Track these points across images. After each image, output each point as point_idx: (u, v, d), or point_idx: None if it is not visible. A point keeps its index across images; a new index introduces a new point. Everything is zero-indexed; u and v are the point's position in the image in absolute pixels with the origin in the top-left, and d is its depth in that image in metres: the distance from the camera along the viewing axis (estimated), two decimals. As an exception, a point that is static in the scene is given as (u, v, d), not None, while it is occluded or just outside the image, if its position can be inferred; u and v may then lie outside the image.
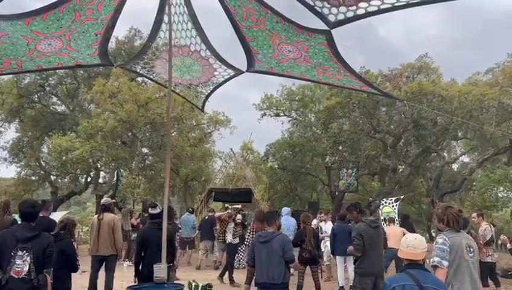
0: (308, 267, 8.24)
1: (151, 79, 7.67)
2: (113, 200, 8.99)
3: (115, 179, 22.16)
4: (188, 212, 13.78)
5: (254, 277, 5.33)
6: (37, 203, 4.37)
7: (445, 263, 3.66)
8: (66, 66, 6.76)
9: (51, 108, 24.39)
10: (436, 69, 21.13)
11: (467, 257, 3.70)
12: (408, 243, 3.33)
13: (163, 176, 20.92)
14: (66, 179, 23.69)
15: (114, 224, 7.15)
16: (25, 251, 3.98)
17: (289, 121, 26.17)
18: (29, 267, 3.96)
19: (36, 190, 25.23)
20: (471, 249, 3.76)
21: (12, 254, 3.96)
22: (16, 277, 3.93)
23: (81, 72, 23.11)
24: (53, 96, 24.52)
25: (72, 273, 5.08)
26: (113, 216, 7.35)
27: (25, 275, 3.94)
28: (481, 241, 7.99)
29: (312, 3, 4.04)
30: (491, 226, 8.49)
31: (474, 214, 8.58)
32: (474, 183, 20.94)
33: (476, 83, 19.10)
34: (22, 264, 3.96)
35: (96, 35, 5.15)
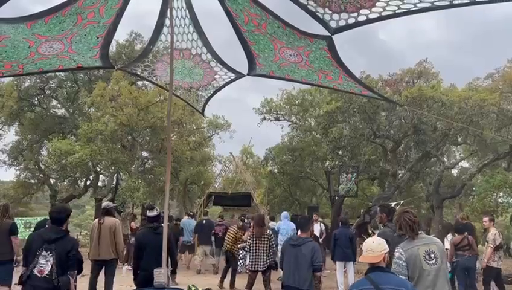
0: None
1: (151, 82, 7.68)
2: (114, 204, 8.95)
3: (114, 182, 22.17)
4: (188, 216, 13.72)
5: (280, 279, 5.38)
6: (64, 209, 4.64)
7: (403, 277, 3.63)
8: (67, 68, 6.77)
9: (51, 111, 24.40)
10: (436, 74, 21.18)
11: (426, 266, 3.66)
12: (367, 248, 3.35)
13: (162, 180, 20.91)
14: (65, 182, 23.68)
15: (115, 228, 7.07)
16: (49, 251, 4.18)
17: (289, 125, 26.22)
18: (51, 267, 4.15)
19: (35, 193, 25.19)
20: (432, 256, 3.69)
21: (37, 253, 4.17)
22: (39, 275, 4.13)
23: (82, 75, 23.15)
24: (53, 99, 24.54)
25: None
26: (114, 220, 7.28)
27: (46, 274, 4.13)
28: (491, 246, 7.93)
29: (314, 10, 4.07)
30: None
31: (486, 218, 8.49)
32: (474, 189, 20.94)
33: (476, 89, 19.11)
34: (44, 263, 4.16)
35: (98, 38, 5.15)
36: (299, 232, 5.86)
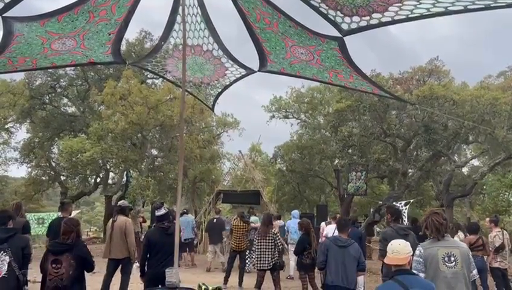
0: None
1: (163, 77, 7.71)
2: (130, 205, 8.93)
3: (124, 180, 22.32)
4: (185, 214, 13.61)
5: (323, 279, 5.67)
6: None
7: (421, 275, 3.70)
8: (80, 63, 6.82)
9: (62, 109, 24.65)
10: (447, 72, 20.95)
11: (443, 268, 3.68)
12: (393, 249, 3.42)
13: (172, 178, 20.98)
14: (75, 180, 23.89)
15: (126, 227, 7.05)
16: (2, 252, 4.12)
17: (298, 123, 26.15)
18: (9, 265, 4.11)
19: (46, 189, 25.46)
20: (452, 259, 3.70)
21: None
22: None
23: (92, 73, 23.33)
24: (64, 97, 24.78)
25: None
26: (125, 219, 7.24)
27: (4, 274, 4.08)
28: (490, 248, 7.88)
29: (325, 12, 4.05)
30: (504, 232, 8.33)
31: (487, 219, 8.51)
32: (485, 187, 20.70)
33: (488, 87, 18.89)
34: (0, 264, 4.10)
35: (110, 34, 5.19)
36: (335, 233, 6.19)
